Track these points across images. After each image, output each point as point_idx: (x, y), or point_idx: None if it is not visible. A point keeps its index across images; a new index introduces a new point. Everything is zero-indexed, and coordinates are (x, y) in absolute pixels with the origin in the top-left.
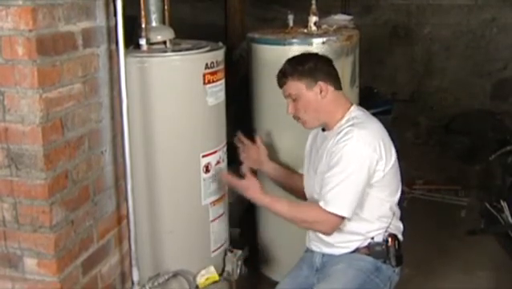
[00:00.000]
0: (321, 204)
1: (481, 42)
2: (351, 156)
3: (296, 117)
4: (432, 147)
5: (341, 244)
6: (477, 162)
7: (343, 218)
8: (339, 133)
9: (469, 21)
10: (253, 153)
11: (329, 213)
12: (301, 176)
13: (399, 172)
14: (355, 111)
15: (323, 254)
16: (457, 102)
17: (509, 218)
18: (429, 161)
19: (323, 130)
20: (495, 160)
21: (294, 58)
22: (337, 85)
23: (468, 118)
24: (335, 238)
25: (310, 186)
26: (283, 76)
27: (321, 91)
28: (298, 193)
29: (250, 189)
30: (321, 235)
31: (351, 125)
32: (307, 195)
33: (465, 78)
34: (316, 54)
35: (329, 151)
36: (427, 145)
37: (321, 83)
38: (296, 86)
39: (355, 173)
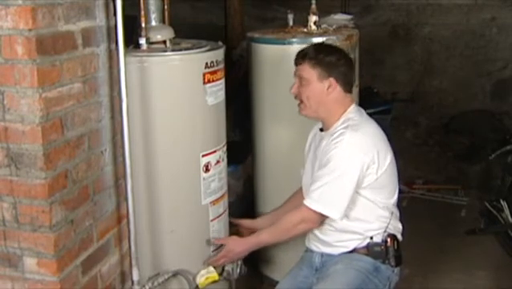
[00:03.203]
0: (306, 202)
1: (480, 41)
2: (340, 158)
3: (297, 98)
4: (431, 147)
5: (339, 243)
6: (477, 162)
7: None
8: (333, 134)
9: (469, 21)
10: (244, 230)
11: (313, 211)
12: (294, 197)
13: (395, 174)
14: (352, 113)
15: (322, 254)
16: (457, 102)
17: (509, 218)
18: (429, 161)
19: (321, 130)
20: (495, 159)
21: (322, 45)
22: (347, 88)
23: (467, 118)
24: (333, 237)
25: (307, 186)
26: (302, 57)
27: (328, 87)
28: None
29: (231, 250)
30: (319, 235)
31: (345, 127)
32: (304, 195)
33: (464, 78)
34: (343, 51)
35: (323, 150)
36: (426, 145)
37: (332, 80)
38: (309, 71)
39: (343, 176)
